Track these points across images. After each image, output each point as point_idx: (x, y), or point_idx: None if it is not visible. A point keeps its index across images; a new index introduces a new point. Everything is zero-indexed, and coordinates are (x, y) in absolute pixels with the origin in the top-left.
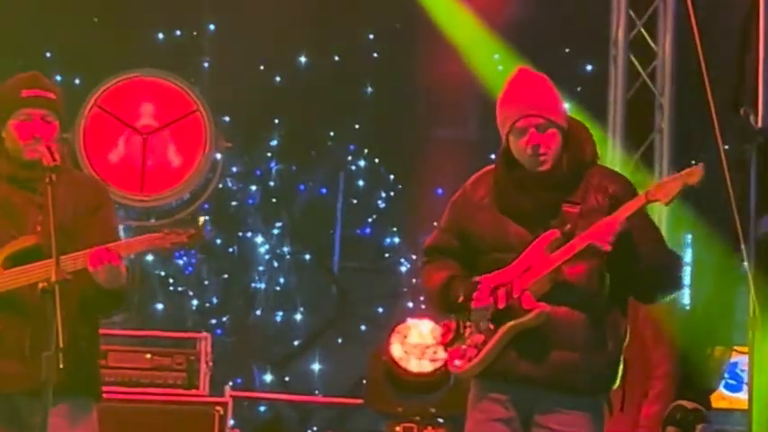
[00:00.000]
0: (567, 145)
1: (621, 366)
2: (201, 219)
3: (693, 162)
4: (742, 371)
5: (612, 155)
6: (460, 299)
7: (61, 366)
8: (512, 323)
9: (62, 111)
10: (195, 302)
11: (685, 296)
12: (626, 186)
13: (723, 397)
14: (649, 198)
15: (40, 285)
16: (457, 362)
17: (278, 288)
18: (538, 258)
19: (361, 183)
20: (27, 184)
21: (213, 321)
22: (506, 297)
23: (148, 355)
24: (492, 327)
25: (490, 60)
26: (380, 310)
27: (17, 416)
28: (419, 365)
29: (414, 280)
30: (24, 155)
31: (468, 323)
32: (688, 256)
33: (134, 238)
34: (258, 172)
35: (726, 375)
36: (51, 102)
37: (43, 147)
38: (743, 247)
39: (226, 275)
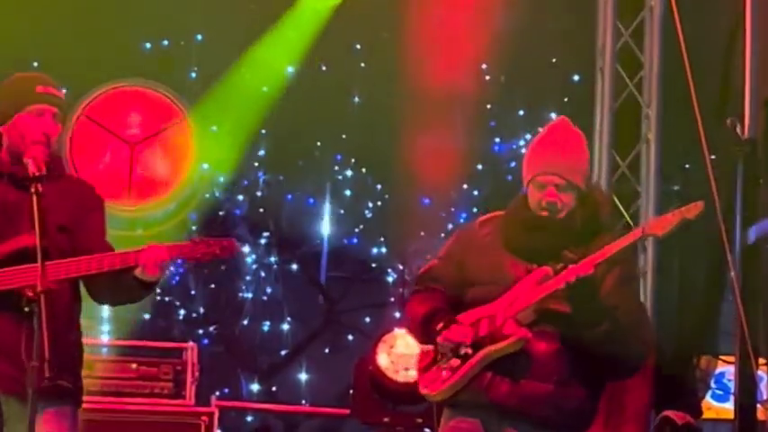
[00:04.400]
0: (583, 204)
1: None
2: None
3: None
4: (729, 381)
5: (599, 165)
6: (439, 325)
7: (47, 376)
8: (490, 348)
9: (64, 115)
10: (182, 312)
11: (673, 307)
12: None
13: (710, 407)
14: (646, 232)
15: (27, 295)
16: (430, 384)
17: (265, 298)
18: (526, 291)
19: (348, 192)
20: (24, 183)
21: (200, 331)
22: (489, 325)
23: (135, 365)
24: (470, 352)
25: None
26: (367, 319)
27: (2, 418)
28: (405, 375)
29: (401, 290)
30: (33, 153)
31: (444, 351)
32: (675, 264)
33: (167, 245)
34: (245, 182)
35: (713, 385)
36: (62, 102)
37: (43, 151)
38: (729, 257)
39: (213, 285)
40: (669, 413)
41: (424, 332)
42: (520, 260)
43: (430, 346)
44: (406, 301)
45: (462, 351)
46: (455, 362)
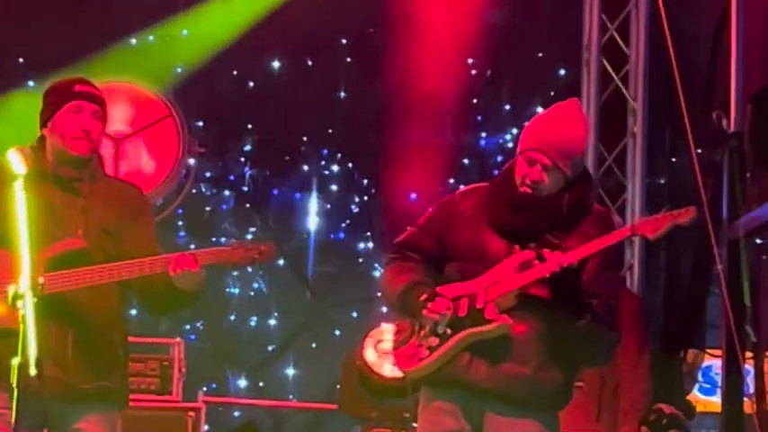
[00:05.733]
0: (572, 188)
1: (600, 380)
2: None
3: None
4: (716, 374)
5: (585, 159)
6: (423, 297)
7: (33, 373)
8: (471, 330)
9: (107, 115)
10: None
11: (659, 300)
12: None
13: (697, 400)
14: (635, 231)
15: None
16: (407, 360)
17: (252, 293)
18: (508, 274)
19: (334, 187)
20: (70, 186)
21: (187, 327)
22: (468, 306)
23: None
24: (449, 332)
25: None
26: (354, 314)
27: (46, 420)
28: (393, 370)
29: None
30: (70, 149)
31: (424, 326)
32: (661, 258)
33: (202, 250)
34: (232, 177)
35: (700, 379)
36: (102, 101)
37: (85, 146)
38: (715, 250)
39: None
40: (660, 405)
41: (401, 304)
42: (502, 238)
43: (405, 322)
44: (384, 270)
45: (441, 330)
46: (433, 340)
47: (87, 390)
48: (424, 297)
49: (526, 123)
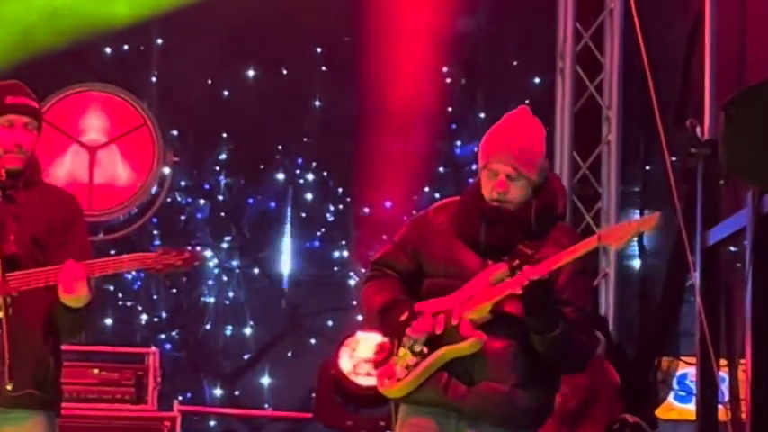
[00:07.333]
0: (538, 195)
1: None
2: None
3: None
4: (691, 381)
5: (560, 167)
6: (404, 316)
7: (7, 382)
8: (446, 348)
9: (41, 121)
10: (144, 317)
11: (634, 308)
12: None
13: (672, 408)
14: (602, 241)
15: None
16: (386, 380)
17: (227, 302)
18: (481, 289)
19: (309, 196)
20: (4, 193)
21: (162, 336)
22: (445, 323)
23: (96, 371)
24: (426, 350)
25: None
26: (330, 323)
27: None
28: (367, 379)
29: None
30: (4, 163)
31: (402, 345)
32: (636, 266)
33: (124, 256)
34: (207, 186)
35: (675, 386)
36: (35, 110)
37: (18, 159)
38: (690, 258)
39: (175, 290)
40: (625, 414)
41: (381, 323)
42: (475, 253)
43: (386, 339)
44: (362, 287)
45: (418, 348)
46: (411, 359)
47: (16, 397)
48: (405, 316)
49: (483, 137)
